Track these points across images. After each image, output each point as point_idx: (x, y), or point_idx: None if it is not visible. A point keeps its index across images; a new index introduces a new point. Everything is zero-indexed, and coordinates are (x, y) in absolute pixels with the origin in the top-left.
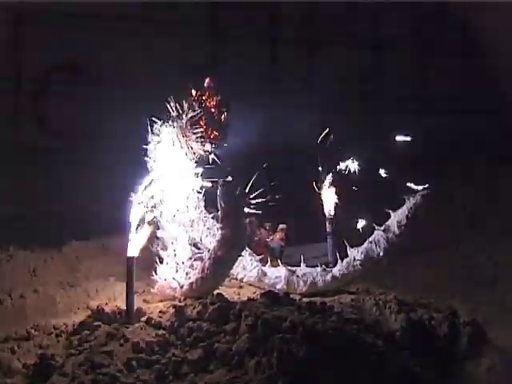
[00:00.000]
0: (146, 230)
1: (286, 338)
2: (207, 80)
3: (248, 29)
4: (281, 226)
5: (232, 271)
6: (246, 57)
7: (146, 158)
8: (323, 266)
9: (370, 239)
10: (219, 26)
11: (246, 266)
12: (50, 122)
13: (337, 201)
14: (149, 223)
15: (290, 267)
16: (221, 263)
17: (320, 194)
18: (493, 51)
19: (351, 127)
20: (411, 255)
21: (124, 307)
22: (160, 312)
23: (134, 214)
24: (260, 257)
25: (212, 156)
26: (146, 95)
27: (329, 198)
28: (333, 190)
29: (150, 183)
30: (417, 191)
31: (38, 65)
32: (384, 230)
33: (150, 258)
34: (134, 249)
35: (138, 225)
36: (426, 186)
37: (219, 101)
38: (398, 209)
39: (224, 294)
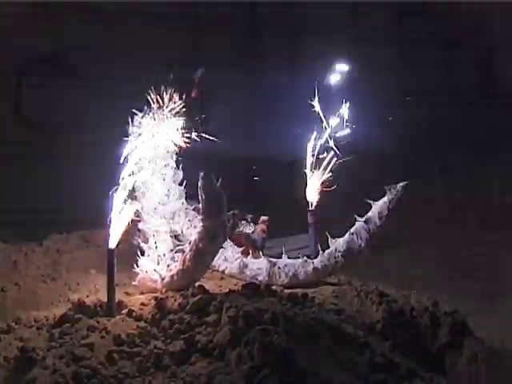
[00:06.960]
0: (127, 222)
1: (268, 329)
2: (201, 71)
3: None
4: (262, 217)
5: (213, 263)
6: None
7: (126, 150)
8: (305, 258)
9: (352, 230)
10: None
11: (228, 257)
12: (28, 114)
13: (321, 191)
14: (131, 214)
15: (271, 259)
16: (202, 255)
17: (305, 183)
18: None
19: None
20: (391, 246)
21: (105, 300)
22: (141, 304)
23: (115, 206)
24: (241, 249)
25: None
26: (125, 88)
27: (312, 188)
28: (318, 180)
29: (131, 175)
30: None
31: (16, 56)
32: (365, 221)
33: (131, 251)
34: (114, 241)
35: (119, 217)
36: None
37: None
38: (378, 199)
39: (205, 285)
